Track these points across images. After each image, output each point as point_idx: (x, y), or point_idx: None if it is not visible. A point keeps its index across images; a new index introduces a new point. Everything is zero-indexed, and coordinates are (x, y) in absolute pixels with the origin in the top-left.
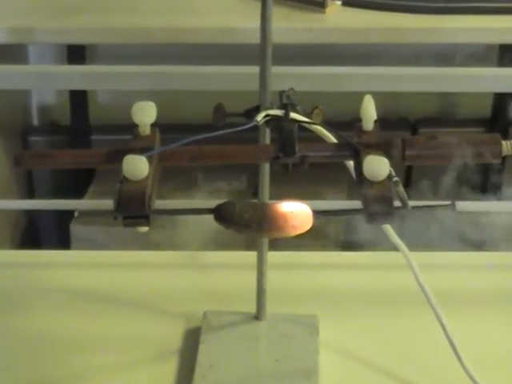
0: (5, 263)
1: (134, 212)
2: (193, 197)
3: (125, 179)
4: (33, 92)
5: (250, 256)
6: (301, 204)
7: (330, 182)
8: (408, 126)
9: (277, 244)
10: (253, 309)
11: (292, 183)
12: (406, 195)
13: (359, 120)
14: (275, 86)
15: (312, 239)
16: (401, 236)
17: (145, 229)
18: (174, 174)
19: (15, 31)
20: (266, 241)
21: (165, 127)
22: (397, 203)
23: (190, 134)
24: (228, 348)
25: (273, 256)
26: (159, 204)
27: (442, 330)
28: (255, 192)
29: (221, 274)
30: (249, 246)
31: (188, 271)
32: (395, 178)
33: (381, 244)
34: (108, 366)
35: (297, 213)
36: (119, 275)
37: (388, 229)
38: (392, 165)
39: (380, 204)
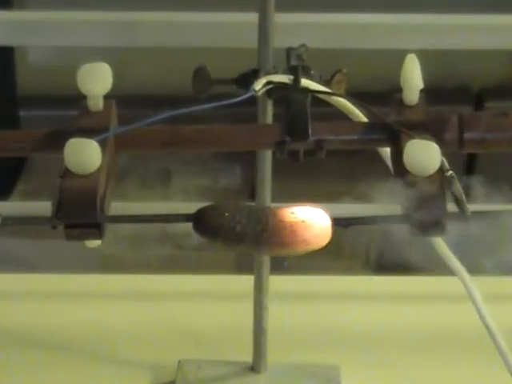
0: None
1: (80, 219)
2: (164, 198)
3: (68, 173)
4: None
5: (244, 281)
6: (315, 209)
7: (357, 177)
8: (470, 99)
9: (282, 265)
10: (248, 357)
11: (303, 179)
12: (463, 195)
13: (399, 90)
14: (280, 41)
15: (332, 259)
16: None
17: (96, 242)
18: (138, 165)
19: None
20: (266, 260)
21: (125, 100)
22: (451, 207)
23: (161, 110)
24: None
25: (276, 281)
26: (116, 207)
27: None
28: (252, 192)
29: (203, 306)
30: (242, 268)
31: (156, 303)
32: (449, 172)
33: (429, 266)
34: None
35: (310, 221)
36: (59, 307)
37: (439, 243)
38: (445, 153)
39: (428, 208)
